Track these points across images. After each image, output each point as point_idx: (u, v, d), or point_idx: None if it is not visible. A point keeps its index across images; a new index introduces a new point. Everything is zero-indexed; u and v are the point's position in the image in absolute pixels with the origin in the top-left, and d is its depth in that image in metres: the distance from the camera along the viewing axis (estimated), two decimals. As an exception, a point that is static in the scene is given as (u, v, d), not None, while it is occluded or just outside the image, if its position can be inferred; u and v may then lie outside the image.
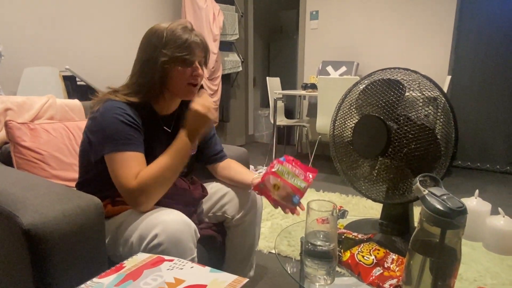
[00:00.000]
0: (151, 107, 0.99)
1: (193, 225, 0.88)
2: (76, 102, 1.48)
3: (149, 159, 0.93)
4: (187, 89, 0.97)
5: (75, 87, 2.57)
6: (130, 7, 3.19)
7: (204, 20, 3.49)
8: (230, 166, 1.18)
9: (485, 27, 3.09)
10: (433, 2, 3.16)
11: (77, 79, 2.59)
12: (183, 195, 1.02)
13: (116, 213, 0.94)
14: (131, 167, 0.87)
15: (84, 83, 2.58)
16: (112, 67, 3.00)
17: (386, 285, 0.70)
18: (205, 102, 0.92)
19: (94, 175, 0.98)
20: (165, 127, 1.03)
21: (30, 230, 0.70)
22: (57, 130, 1.28)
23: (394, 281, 0.71)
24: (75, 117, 1.45)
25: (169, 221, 0.83)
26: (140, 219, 0.86)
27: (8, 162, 1.19)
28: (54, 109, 1.37)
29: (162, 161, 0.89)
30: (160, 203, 0.95)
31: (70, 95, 2.51)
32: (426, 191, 0.64)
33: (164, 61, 0.92)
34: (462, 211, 0.60)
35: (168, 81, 0.95)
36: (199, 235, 0.91)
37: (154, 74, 0.93)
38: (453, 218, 0.60)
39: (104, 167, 0.90)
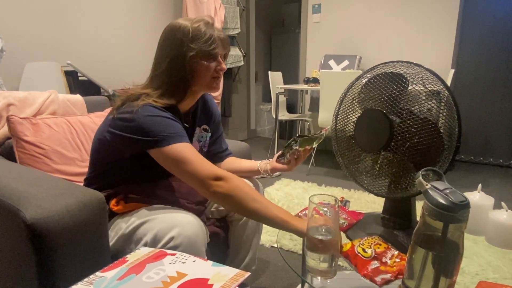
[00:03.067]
0: (177, 107, 0.98)
1: (205, 228, 0.89)
2: (78, 97, 1.48)
3: None
4: (212, 82, 0.99)
5: (76, 82, 2.57)
6: (131, 1, 3.18)
7: (205, 13, 3.47)
8: (235, 161, 1.22)
9: (490, 20, 3.05)
10: (437, -5, 3.12)
11: (78, 74, 2.59)
12: (195, 194, 1.02)
13: (128, 210, 0.93)
14: (201, 160, 0.86)
15: (86, 78, 2.58)
16: (114, 61, 3.00)
17: (378, 278, 0.70)
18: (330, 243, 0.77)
19: (109, 171, 0.98)
20: (185, 124, 1.04)
21: (34, 225, 0.70)
22: (59, 125, 1.29)
23: (387, 276, 0.71)
24: (77, 112, 1.45)
25: (186, 224, 0.82)
26: (157, 219, 0.84)
27: (11, 157, 1.19)
28: (56, 104, 1.37)
29: (269, 205, 0.86)
30: (173, 202, 0.95)
31: (71, 90, 2.51)
32: (429, 185, 0.64)
33: (192, 56, 0.93)
34: (464, 205, 0.60)
35: (196, 76, 0.96)
36: (209, 239, 0.92)
37: (184, 69, 0.94)
38: (456, 212, 0.60)
39: (124, 163, 0.93)
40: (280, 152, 1.14)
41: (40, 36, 2.52)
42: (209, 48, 0.94)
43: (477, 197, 1.05)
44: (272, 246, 1.76)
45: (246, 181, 0.96)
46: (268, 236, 1.85)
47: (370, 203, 2.28)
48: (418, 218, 0.79)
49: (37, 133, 1.20)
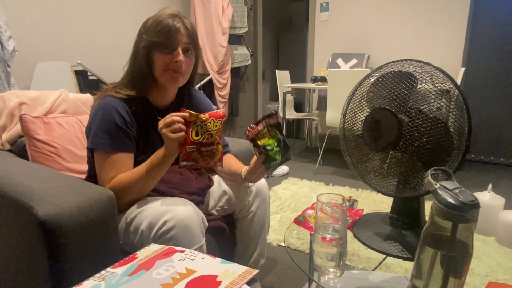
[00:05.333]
0: (147, 99, 1.01)
1: (201, 213, 0.90)
2: (88, 96, 1.50)
3: (148, 150, 0.97)
4: (169, 75, 0.96)
5: (86, 82, 2.61)
6: (140, 1, 3.20)
7: (213, 13, 3.48)
8: (228, 160, 1.17)
9: (501, 18, 3.00)
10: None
11: (88, 73, 2.62)
12: (187, 185, 1.04)
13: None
14: (109, 170, 0.92)
15: (95, 77, 2.61)
16: (124, 61, 3.02)
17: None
18: (164, 121, 0.86)
19: None
20: (159, 117, 1.04)
21: (46, 221, 0.72)
22: (70, 123, 1.31)
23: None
24: (87, 111, 1.47)
25: (178, 208, 0.85)
26: (150, 208, 0.88)
27: (24, 155, 1.22)
28: (66, 103, 1.40)
29: (136, 172, 0.91)
30: (165, 192, 0.97)
31: (81, 89, 2.54)
32: (438, 185, 0.63)
33: (144, 46, 0.94)
34: (474, 205, 0.59)
35: (153, 68, 0.96)
36: (207, 224, 0.93)
37: (140, 60, 0.95)
38: (465, 212, 0.59)
39: None
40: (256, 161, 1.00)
41: (51, 36, 2.56)
42: (160, 38, 0.92)
43: (487, 197, 1.04)
44: (279, 245, 1.76)
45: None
46: (275, 235, 1.85)
47: (378, 203, 2.27)
48: (426, 218, 0.79)
49: (48, 132, 1.22)
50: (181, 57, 0.95)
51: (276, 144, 0.95)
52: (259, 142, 0.93)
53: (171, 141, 0.85)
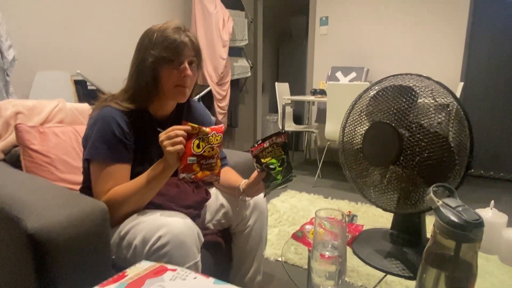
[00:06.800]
0: (147, 110, 1.00)
1: (197, 228, 0.88)
2: (85, 106, 1.49)
3: (145, 162, 0.95)
4: (176, 90, 0.97)
5: (85, 92, 2.60)
6: (141, 12, 3.23)
7: (214, 25, 3.51)
8: (225, 173, 1.14)
9: (499, 32, 3.03)
10: (445, 7, 3.12)
11: (87, 83, 2.62)
12: (184, 198, 1.02)
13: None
14: (106, 181, 0.90)
15: (95, 88, 2.61)
16: (124, 72, 3.03)
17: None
18: (166, 133, 0.84)
19: None
20: (159, 129, 1.03)
21: (35, 235, 0.69)
22: (66, 133, 1.29)
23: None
24: (84, 121, 1.46)
25: (173, 223, 0.83)
26: (144, 222, 0.85)
27: (18, 164, 1.19)
28: (63, 113, 1.38)
29: (134, 184, 0.89)
30: (161, 205, 0.94)
31: (80, 99, 2.54)
32: (440, 202, 0.62)
33: (152, 62, 0.92)
34: (478, 224, 0.58)
35: (159, 82, 0.95)
36: (203, 239, 0.91)
37: (146, 75, 0.94)
38: (469, 231, 0.57)
39: None
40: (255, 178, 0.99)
41: (51, 45, 2.57)
42: (168, 53, 0.92)
43: (489, 214, 1.02)
44: (277, 260, 1.72)
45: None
46: (273, 249, 1.81)
47: (378, 217, 2.23)
48: (428, 235, 0.76)
49: (44, 142, 1.20)
50: (188, 71, 0.95)
51: (279, 164, 0.93)
52: (262, 160, 0.92)
53: (171, 154, 0.83)
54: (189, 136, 0.85)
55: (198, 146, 0.85)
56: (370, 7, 3.45)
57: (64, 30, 2.65)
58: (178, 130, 0.83)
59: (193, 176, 0.86)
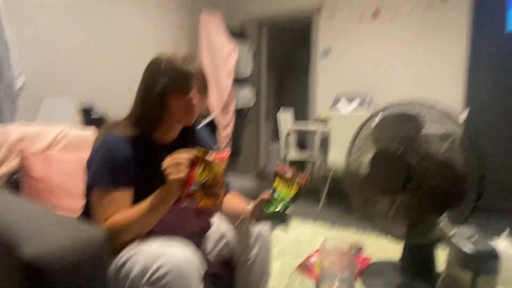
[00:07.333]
0: (150, 138, 1.00)
1: (198, 258, 0.84)
2: (89, 133, 1.50)
3: (147, 190, 0.92)
4: (184, 117, 0.98)
5: (90, 120, 2.64)
6: (149, 42, 3.34)
7: (218, 56, 3.61)
8: (228, 199, 1.12)
9: (502, 58, 3.04)
10: (444, 37, 3.20)
11: (91, 112, 2.65)
12: (185, 227, 0.99)
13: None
14: (107, 207, 0.88)
15: (98, 117, 2.64)
16: (130, 100, 3.08)
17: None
18: (169, 160, 0.83)
19: None
20: (163, 155, 1.02)
21: (31, 262, 0.67)
22: (69, 160, 1.29)
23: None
24: (88, 148, 1.45)
25: (173, 252, 0.80)
26: (143, 252, 0.82)
27: (18, 191, 1.18)
28: (67, 139, 1.38)
29: (135, 211, 0.87)
30: (161, 233, 0.91)
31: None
32: (454, 231, 0.59)
33: (160, 91, 0.94)
34: (494, 255, 0.55)
35: (166, 110, 0.96)
36: (204, 270, 0.87)
37: (153, 104, 0.95)
38: (485, 262, 0.54)
39: None
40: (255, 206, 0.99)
41: (59, 72, 2.63)
42: (177, 84, 0.94)
43: (502, 246, 0.97)
44: (280, 294, 1.64)
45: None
46: (276, 283, 1.73)
47: (386, 248, 2.15)
48: (439, 268, 0.73)
49: (46, 168, 1.20)
50: (195, 101, 0.96)
51: (284, 197, 0.92)
52: (275, 182, 0.92)
53: (173, 182, 0.82)
54: (192, 164, 0.84)
55: (201, 174, 0.83)
56: (372, 39, 3.55)
57: (72, 57, 2.73)
58: (181, 158, 0.82)
59: (195, 204, 0.84)
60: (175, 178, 0.81)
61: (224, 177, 0.89)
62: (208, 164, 0.84)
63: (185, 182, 0.83)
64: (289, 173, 0.92)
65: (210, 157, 0.84)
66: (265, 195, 0.96)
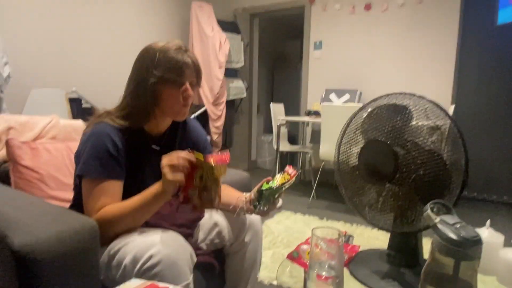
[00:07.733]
0: (142, 128, 0.99)
1: (190, 248, 0.85)
2: (79, 122, 1.48)
3: (138, 180, 0.93)
4: (178, 110, 0.96)
5: (80, 110, 2.60)
6: (138, 33, 3.29)
7: (210, 47, 3.58)
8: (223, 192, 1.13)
9: (489, 55, 3.11)
10: (435, 32, 3.23)
11: (82, 101, 2.62)
12: (177, 216, 0.99)
13: None
14: (97, 198, 0.87)
15: (89, 106, 2.61)
16: (120, 89, 3.04)
17: None
18: (169, 158, 0.80)
19: None
20: (153, 146, 1.02)
21: (20, 251, 0.67)
22: (58, 150, 1.27)
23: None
24: (77, 138, 1.44)
25: (165, 242, 0.80)
26: (134, 241, 0.82)
27: (7, 181, 1.17)
28: (57, 129, 1.37)
29: (126, 205, 0.86)
30: (153, 224, 0.92)
31: (74, 117, 2.53)
32: (438, 219, 0.61)
33: (155, 82, 0.92)
34: (477, 241, 0.57)
35: (159, 102, 0.95)
36: (195, 259, 0.88)
37: (146, 95, 0.93)
38: (468, 249, 0.56)
39: None
40: (252, 195, 1.01)
41: (46, 62, 2.58)
42: (172, 74, 0.92)
43: (486, 234, 1.01)
44: (271, 284, 1.67)
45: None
46: (267, 272, 1.77)
47: (373, 239, 2.20)
48: (425, 256, 0.75)
49: (35, 158, 1.18)
50: (190, 92, 0.94)
51: (269, 189, 0.95)
52: (279, 175, 0.96)
53: (170, 182, 0.79)
54: (192, 166, 0.80)
55: (201, 179, 0.80)
56: (363, 32, 3.56)
57: (60, 47, 2.67)
58: (182, 159, 0.79)
59: (192, 209, 0.82)
60: (171, 179, 0.78)
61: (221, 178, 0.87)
62: (208, 170, 0.80)
63: (183, 186, 0.80)
64: (292, 170, 0.97)
65: (211, 161, 0.80)
66: (268, 178, 0.98)
